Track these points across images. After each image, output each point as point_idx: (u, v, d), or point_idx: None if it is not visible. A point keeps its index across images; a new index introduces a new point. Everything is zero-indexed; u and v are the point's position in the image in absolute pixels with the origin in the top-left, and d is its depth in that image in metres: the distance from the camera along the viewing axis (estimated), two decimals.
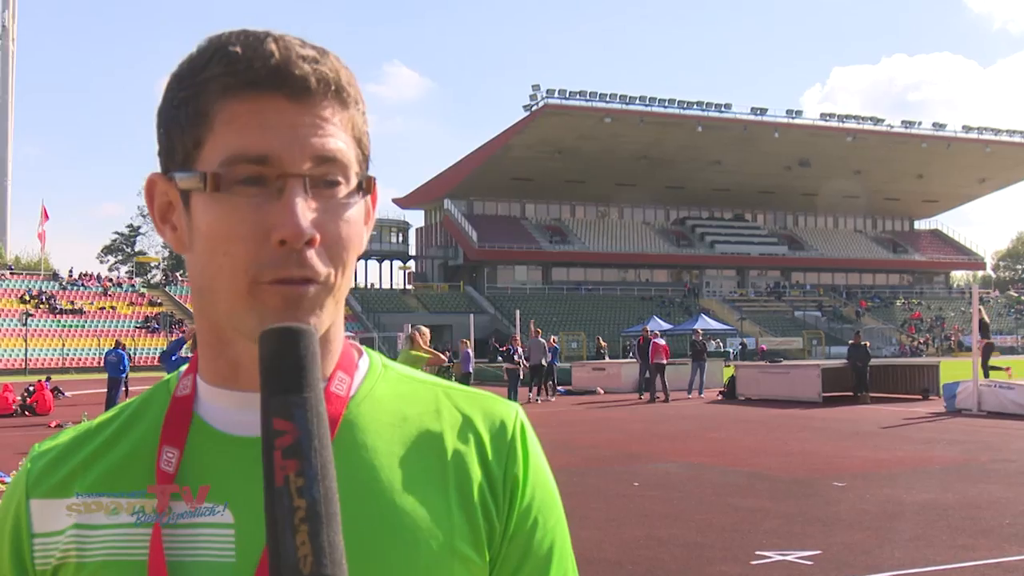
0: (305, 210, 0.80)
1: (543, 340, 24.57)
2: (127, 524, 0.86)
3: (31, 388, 22.46)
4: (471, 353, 26.76)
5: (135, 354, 51.89)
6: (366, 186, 0.87)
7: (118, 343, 21.21)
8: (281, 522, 0.64)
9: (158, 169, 0.89)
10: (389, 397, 0.93)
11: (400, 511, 0.86)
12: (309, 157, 0.82)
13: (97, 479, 0.89)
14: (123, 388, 22.28)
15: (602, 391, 27.36)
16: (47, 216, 63.63)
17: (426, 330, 11.87)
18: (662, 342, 24.19)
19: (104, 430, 0.94)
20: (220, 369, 0.89)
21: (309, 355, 0.68)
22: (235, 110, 0.81)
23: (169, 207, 0.88)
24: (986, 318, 21.99)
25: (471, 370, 21.93)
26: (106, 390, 19.71)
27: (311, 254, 0.81)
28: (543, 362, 24.19)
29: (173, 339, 19.37)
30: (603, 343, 34.76)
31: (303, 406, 0.67)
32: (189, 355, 17.46)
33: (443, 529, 0.86)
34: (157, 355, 43.49)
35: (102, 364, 21.74)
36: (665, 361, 23.94)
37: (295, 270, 0.80)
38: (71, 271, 63.60)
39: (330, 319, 0.86)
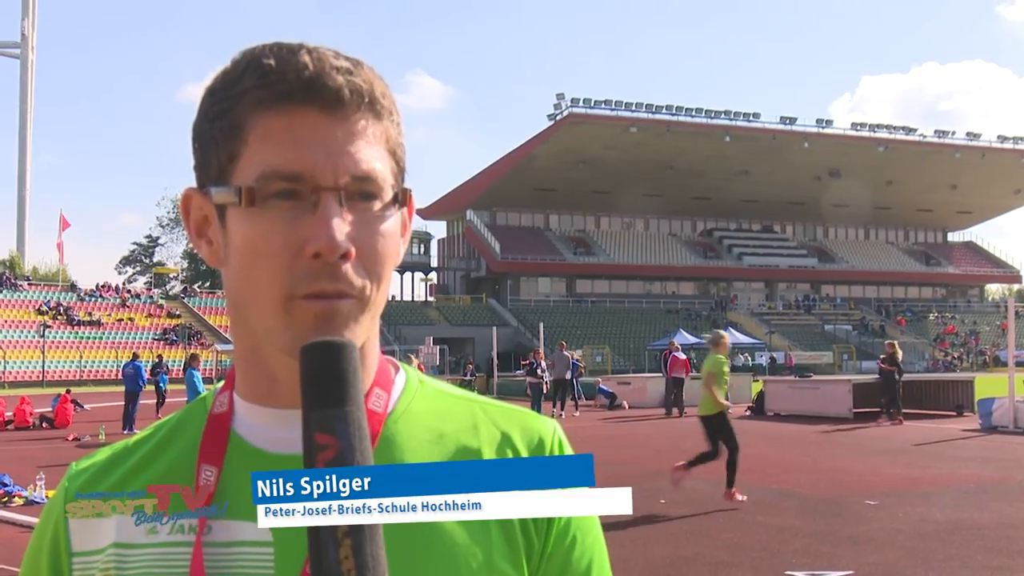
0: (340, 223, 0.80)
1: (567, 354, 24.46)
2: (167, 543, 0.87)
3: (57, 399, 22.49)
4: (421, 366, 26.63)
5: (152, 365, 51.48)
6: (402, 198, 0.87)
7: (135, 355, 21.24)
8: (324, 536, 0.65)
9: (185, 180, 0.90)
10: (426, 413, 0.93)
11: (438, 528, 0.85)
12: (343, 170, 0.82)
13: None
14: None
15: (627, 405, 26.75)
16: (67, 224, 63.26)
17: (726, 335, 11.63)
18: (682, 356, 23.74)
19: (141, 448, 0.95)
20: (257, 385, 0.90)
21: (351, 369, 0.69)
22: (269, 124, 0.82)
23: (205, 222, 0.89)
24: (899, 352, 21.46)
25: None
26: (123, 403, 19.51)
27: (346, 268, 0.81)
28: (566, 376, 24.03)
29: (190, 353, 19.36)
30: (580, 360, 33.91)
31: (345, 420, 0.67)
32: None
33: (481, 547, 0.86)
34: (180, 367, 43.03)
35: (120, 376, 21.70)
36: (684, 376, 23.46)
37: (328, 283, 0.80)
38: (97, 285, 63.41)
39: (365, 334, 0.85)
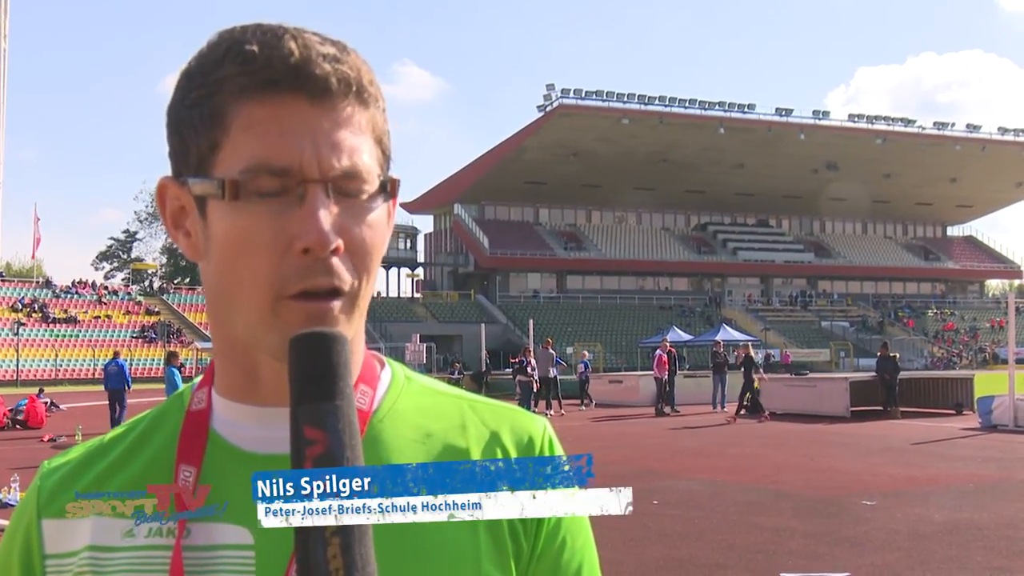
0: (328, 216, 0.78)
1: (553, 351, 24.47)
2: (145, 547, 0.85)
3: (17, 407, 22.05)
4: None
5: (132, 365, 50.37)
6: (390, 189, 0.85)
7: (116, 354, 20.74)
8: (312, 535, 0.64)
9: (163, 171, 0.88)
10: (412, 411, 0.92)
11: (425, 530, 0.82)
12: (331, 163, 0.80)
13: None
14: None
15: (593, 404, 26.33)
16: (36, 228, 61.75)
17: None
18: (658, 353, 23.66)
19: (117, 446, 0.93)
20: (237, 382, 0.88)
21: (341, 362, 0.67)
22: (254, 114, 0.79)
23: (182, 212, 0.86)
24: (752, 354, 22.08)
25: None
26: (108, 403, 19.03)
27: (336, 262, 0.79)
28: (550, 374, 24.09)
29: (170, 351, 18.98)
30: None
31: (335, 414, 0.65)
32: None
33: (469, 549, 0.85)
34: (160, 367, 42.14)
35: (98, 375, 21.08)
36: (659, 374, 23.42)
37: (321, 279, 0.79)
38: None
39: (355, 331, 0.84)
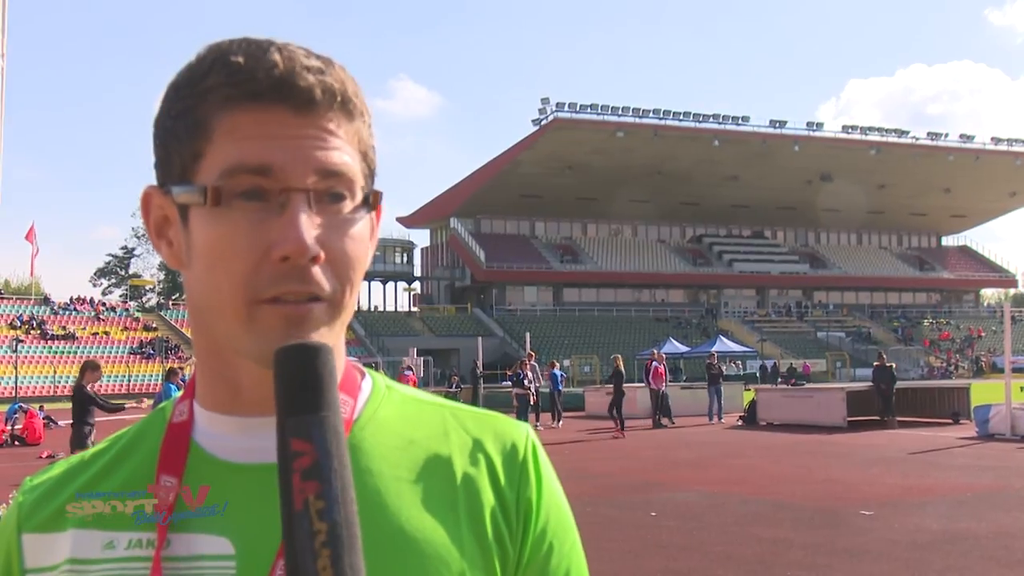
0: (309, 226, 0.78)
1: (536, 364, 24.16)
2: (125, 558, 0.84)
3: (10, 415, 22.26)
4: None
5: (130, 381, 50.27)
6: (372, 201, 0.85)
7: (171, 370, 20.75)
8: (301, 547, 0.63)
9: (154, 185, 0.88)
10: (394, 419, 0.91)
11: (409, 538, 0.83)
12: (313, 170, 0.80)
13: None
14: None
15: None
16: (34, 242, 61.57)
17: None
18: (654, 365, 23.44)
19: (98, 460, 0.92)
20: (219, 393, 0.87)
21: (327, 373, 0.67)
22: (237, 121, 0.80)
23: (165, 222, 0.86)
24: (621, 367, 21.09)
25: None
26: None
27: (315, 271, 0.79)
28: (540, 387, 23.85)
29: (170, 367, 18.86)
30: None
31: (322, 426, 0.66)
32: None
33: (454, 556, 0.84)
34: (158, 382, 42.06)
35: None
36: (656, 386, 23.25)
37: (297, 285, 0.78)
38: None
39: (335, 340, 0.83)
